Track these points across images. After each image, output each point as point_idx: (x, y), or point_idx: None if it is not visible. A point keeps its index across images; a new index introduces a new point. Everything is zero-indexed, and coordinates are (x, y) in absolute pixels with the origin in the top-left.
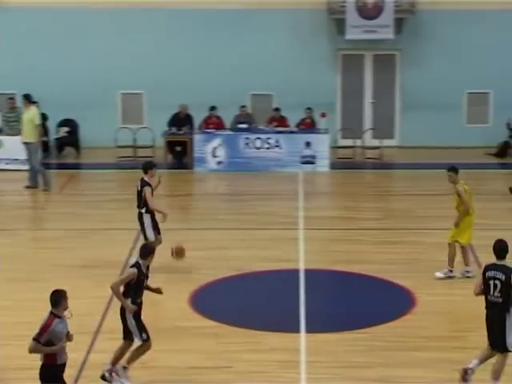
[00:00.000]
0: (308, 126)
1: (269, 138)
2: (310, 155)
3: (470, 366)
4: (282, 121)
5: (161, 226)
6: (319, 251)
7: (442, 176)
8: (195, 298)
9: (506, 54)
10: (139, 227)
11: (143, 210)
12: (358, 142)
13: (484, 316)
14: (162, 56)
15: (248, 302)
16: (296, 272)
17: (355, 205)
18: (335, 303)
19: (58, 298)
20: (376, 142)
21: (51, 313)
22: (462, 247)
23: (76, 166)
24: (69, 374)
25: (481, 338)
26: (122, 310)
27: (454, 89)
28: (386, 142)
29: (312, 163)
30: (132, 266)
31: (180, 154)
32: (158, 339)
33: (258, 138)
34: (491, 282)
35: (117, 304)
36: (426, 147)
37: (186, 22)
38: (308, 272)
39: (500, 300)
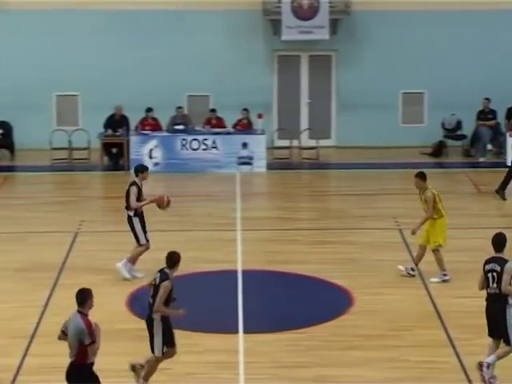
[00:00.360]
0: (244, 126)
1: (205, 139)
2: (246, 156)
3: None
4: (218, 122)
5: (96, 228)
6: (257, 252)
7: (377, 176)
8: (133, 301)
9: (440, 54)
10: (129, 230)
11: (131, 213)
12: (295, 143)
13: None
14: (97, 57)
15: (186, 303)
16: (234, 273)
17: (292, 205)
18: (273, 303)
19: (85, 297)
20: (312, 143)
21: (80, 312)
22: (428, 249)
23: (10, 169)
24: (5, 378)
25: (416, 336)
26: (150, 320)
27: (390, 89)
28: (323, 143)
29: (249, 164)
30: (163, 280)
31: (116, 156)
32: None
33: (195, 140)
34: (489, 275)
35: (54, 307)
36: (362, 147)
37: (121, 23)
38: (246, 273)
39: (498, 291)
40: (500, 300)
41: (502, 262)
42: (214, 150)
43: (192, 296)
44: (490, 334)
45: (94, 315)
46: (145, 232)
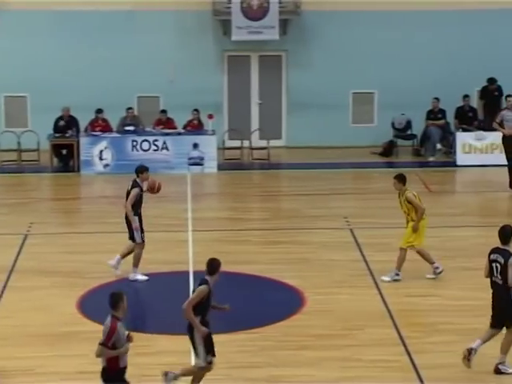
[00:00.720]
0: (195, 127)
1: (156, 140)
2: (197, 157)
3: (474, 345)
4: (168, 123)
5: (46, 230)
6: (208, 252)
7: (328, 176)
8: (84, 303)
9: (390, 54)
10: (127, 228)
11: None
12: (246, 143)
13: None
14: (46, 58)
15: (138, 304)
16: (186, 274)
17: (243, 205)
18: (225, 304)
19: (117, 300)
20: (263, 143)
21: (113, 316)
22: (418, 251)
23: None
24: None
25: (368, 335)
26: (191, 328)
27: (340, 89)
28: (273, 143)
29: (200, 165)
30: (201, 284)
31: (66, 157)
32: (46, 345)
33: (145, 141)
34: (493, 265)
35: (4, 310)
36: (313, 147)
37: (70, 23)
38: (198, 274)
39: (501, 282)
40: (504, 289)
41: (507, 254)
42: (164, 151)
43: (144, 297)
44: (493, 325)
45: (43, 318)
46: (142, 231)
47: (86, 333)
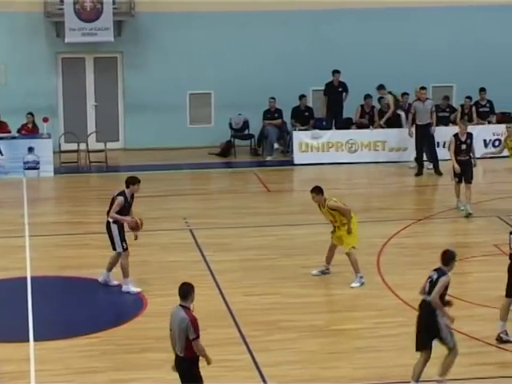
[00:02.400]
0: (30, 131)
1: None
2: (33, 161)
3: (500, 330)
4: (1, 126)
5: None
6: (47, 258)
7: (167, 177)
8: None
9: (226, 55)
10: (107, 236)
11: (111, 220)
12: (82, 146)
13: None
14: None
15: None
16: (23, 280)
17: (81, 209)
18: (65, 309)
19: (188, 290)
20: (100, 145)
21: (183, 306)
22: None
23: None
24: None
25: (211, 335)
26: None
27: (177, 90)
28: (111, 145)
29: (35, 169)
30: (441, 275)
31: None
32: None
33: None
34: (428, 281)
35: None
36: (151, 149)
37: None
38: (36, 279)
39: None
40: (429, 307)
41: (441, 273)
42: None
43: None
44: (417, 349)
45: None
46: (122, 240)
47: None
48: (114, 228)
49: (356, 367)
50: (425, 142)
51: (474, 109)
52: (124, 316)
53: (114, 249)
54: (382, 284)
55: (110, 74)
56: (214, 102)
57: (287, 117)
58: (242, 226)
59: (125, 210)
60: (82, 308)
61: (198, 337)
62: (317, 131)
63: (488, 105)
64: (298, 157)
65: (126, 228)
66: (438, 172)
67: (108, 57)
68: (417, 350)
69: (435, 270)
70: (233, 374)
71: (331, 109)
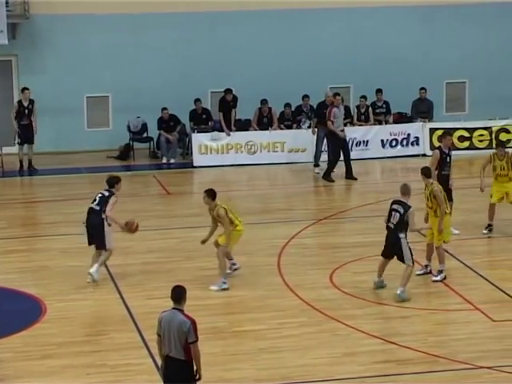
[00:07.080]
0: None
1: None
2: None
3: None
4: None
5: None
6: None
7: (66, 181)
8: None
9: (123, 57)
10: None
11: (104, 217)
12: None
13: None
14: None
15: None
16: None
17: None
18: None
19: (181, 293)
20: None
21: (179, 310)
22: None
23: None
24: None
25: (112, 340)
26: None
27: (74, 93)
28: (7, 150)
29: None
30: (408, 207)
31: None
32: None
33: None
34: (393, 213)
35: None
36: (49, 153)
37: None
38: None
39: (393, 226)
40: (395, 232)
41: (406, 207)
42: None
43: None
44: (385, 255)
45: None
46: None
47: None
48: (106, 225)
49: (259, 368)
50: (341, 148)
51: (370, 109)
52: (22, 322)
53: (104, 247)
54: (282, 285)
55: (5, 77)
56: (112, 105)
57: (185, 120)
58: (142, 230)
59: None
60: None
61: (197, 339)
62: (216, 133)
63: (384, 105)
64: (198, 159)
65: (118, 228)
66: (352, 177)
67: (2, 60)
68: (382, 255)
69: (396, 202)
70: (135, 378)
71: (227, 120)
